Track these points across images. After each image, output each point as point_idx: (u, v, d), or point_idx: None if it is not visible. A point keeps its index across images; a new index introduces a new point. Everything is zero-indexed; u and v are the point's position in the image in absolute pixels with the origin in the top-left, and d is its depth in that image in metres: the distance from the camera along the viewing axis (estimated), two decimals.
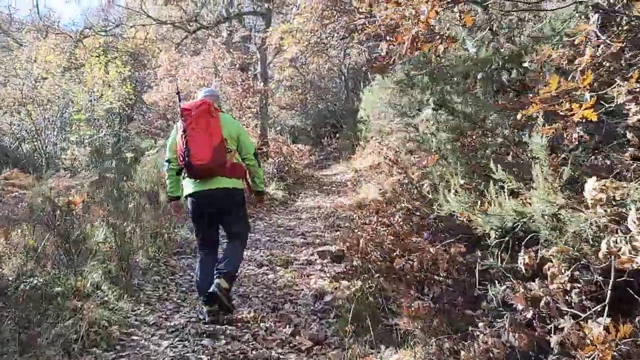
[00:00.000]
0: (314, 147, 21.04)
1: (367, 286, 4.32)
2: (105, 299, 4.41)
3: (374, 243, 4.52)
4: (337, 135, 19.91)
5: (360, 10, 4.80)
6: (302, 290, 5.00)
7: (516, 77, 3.91)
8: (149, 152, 13.04)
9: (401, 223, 4.38)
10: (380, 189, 9.15)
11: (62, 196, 5.57)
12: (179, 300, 4.71)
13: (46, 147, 10.56)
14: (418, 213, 4.21)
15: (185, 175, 4.04)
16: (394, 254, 3.82)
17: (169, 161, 4.15)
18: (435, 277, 3.54)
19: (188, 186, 4.06)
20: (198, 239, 4.30)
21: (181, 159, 3.89)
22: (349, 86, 19.75)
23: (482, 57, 3.89)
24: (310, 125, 22.23)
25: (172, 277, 5.36)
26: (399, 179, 9.01)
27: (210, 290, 3.80)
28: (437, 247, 3.51)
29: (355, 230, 5.16)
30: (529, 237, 2.82)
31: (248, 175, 4.32)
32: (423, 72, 4.74)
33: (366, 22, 4.18)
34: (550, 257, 2.51)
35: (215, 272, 3.91)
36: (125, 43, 18.96)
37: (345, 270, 5.04)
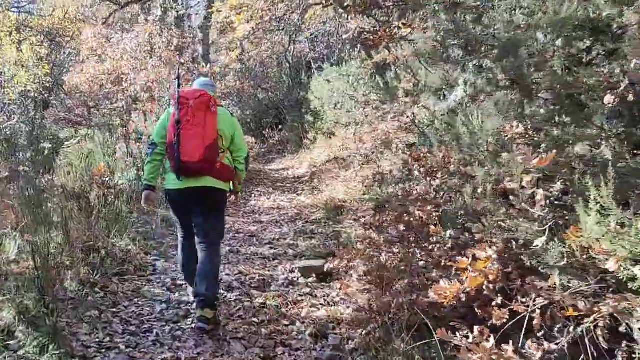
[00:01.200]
0: (255, 139, 19.71)
1: (395, 328, 3.18)
2: (21, 352, 3.06)
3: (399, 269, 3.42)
4: (280, 127, 18.69)
5: None
6: (295, 325, 3.81)
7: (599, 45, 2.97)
8: (69, 142, 11.39)
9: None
10: (350, 187, 8.11)
11: None
12: (129, 349, 3.38)
13: None
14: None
15: (169, 169, 3.74)
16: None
17: (154, 144, 3.81)
18: None
19: (170, 181, 3.76)
20: (179, 226, 4.06)
21: (169, 151, 3.63)
22: (293, 76, 18.52)
23: (562, 16, 2.88)
24: (249, 117, 20.81)
25: (114, 309, 3.99)
26: (374, 174, 7.99)
27: (199, 324, 3.59)
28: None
29: (363, 249, 4.01)
30: None
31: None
32: (455, 42, 3.68)
33: None
34: None
35: (197, 298, 3.69)
36: (41, 22, 16.84)
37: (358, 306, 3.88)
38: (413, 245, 3.64)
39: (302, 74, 20.49)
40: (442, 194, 3.81)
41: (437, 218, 3.55)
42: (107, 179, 5.52)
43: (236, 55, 10.77)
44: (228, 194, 4.01)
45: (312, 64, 19.79)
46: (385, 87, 10.11)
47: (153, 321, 3.84)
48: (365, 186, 7.77)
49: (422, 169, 3.96)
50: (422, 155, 3.98)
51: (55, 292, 3.77)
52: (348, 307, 3.86)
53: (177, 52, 10.20)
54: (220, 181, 3.73)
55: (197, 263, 3.80)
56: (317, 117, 13.13)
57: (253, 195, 9.46)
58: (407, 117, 6.34)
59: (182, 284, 4.58)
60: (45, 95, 16.87)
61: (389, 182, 5.95)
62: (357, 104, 11.20)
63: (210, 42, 11.19)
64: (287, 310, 4.02)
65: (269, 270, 5.08)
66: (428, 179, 3.95)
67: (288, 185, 10.48)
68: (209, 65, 9.60)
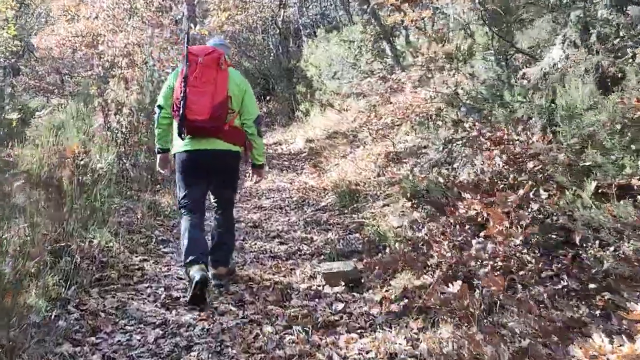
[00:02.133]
0: None
1: None
2: None
3: None
4: (269, 98, 17.58)
5: None
6: None
7: None
8: (39, 112, 10.27)
9: None
10: (360, 167, 7.18)
11: None
12: None
13: None
14: None
15: (176, 130, 3.48)
16: None
17: (160, 107, 3.61)
18: None
19: (178, 143, 3.54)
20: (184, 201, 3.64)
21: (174, 108, 3.42)
22: (283, 42, 17.31)
23: None
24: None
25: (94, 339, 3.03)
26: (387, 152, 7.07)
27: (199, 278, 3.28)
28: None
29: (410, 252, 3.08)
30: None
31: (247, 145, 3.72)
32: None
33: None
34: None
35: (211, 257, 3.62)
36: None
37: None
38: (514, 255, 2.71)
39: (291, 41, 19.34)
40: (529, 188, 2.87)
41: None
42: (82, 161, 4.49)
43: (225, 17, 9.59)
44: (241, 160, 3.80)
45: (302, 30, 18.59)
46: (398, 53, 9.13)
47: (146, 357, 2.90)
48: (379, 166, 6.88)
49: (503, 155, 3.00)
50: (504, 136, 3.02)
51: (13, 319, 2.78)
52: (407, 342, 2.93)
53: (159, 13, 9.02)
54: (231, 144, 3.53)
55: (205, 244, 3.63)
56: (310, 88, 12.06)
57: (248, 175, 8.47)
58: (445, 86, 5.34)
59: (179, 296, 3.66)
60: (13, 61, 15.51)
61: (423, 166, 5.03)
62: (360, 73, 10.20)
63: (196, 1, 9.97)
64: (319, 338, 3.10)
65: (284, 276, 4.14)
66: (508, 167, 3.00)
67: (285, 163, 9.51)
68: (196, 27, 8.47)
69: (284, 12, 16.45)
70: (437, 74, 6.44)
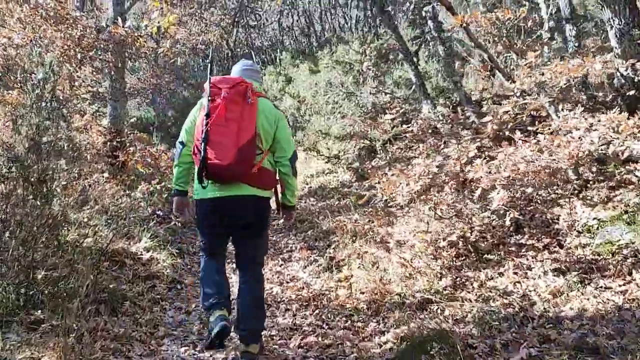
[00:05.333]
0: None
1: None
2: None
3: None
4: None
5: None
6: None
7: None
8: None
9: None
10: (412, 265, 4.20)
11: None
12: None
13: None
14: None
15: (196, 174, 2.98)
16: None
17: (182, 144, 3.16)
18: None
19: (199, 188, 3.03)
20: (204, 248, 3.26)
21: (195, 150, 2.99)
22: None
23: None
24: (171, 119, 16.35)
25: None
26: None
27: (219, 329, 2.81)
28: None
29: None
30: None
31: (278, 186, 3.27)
32: None
33: None
34: None
35: (239, 331, 3.06)
36: None
37: None
38: None
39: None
40: None
41: None
42: None
43: (171, 20, 6.45)
44: (272, 207, 3.26)
45: (255, 55, 15.68)
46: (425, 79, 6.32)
47: None
48: (452, 267, 4.00)
49: None
50: None
51: None
52: None
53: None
54: (259, 189, 3.04)
55: (226, 288, 3.14)
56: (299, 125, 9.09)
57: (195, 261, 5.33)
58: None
59: None
60: None
61: None
62: (358, 107, 7.34)
63: None
64: None
65: None
66: None
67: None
68: (126, 24, 5.40)
69: (237, 31, 13.46)
70: (566, 110, 3.65)
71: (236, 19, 12.83)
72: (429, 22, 5.85)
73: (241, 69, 3.28)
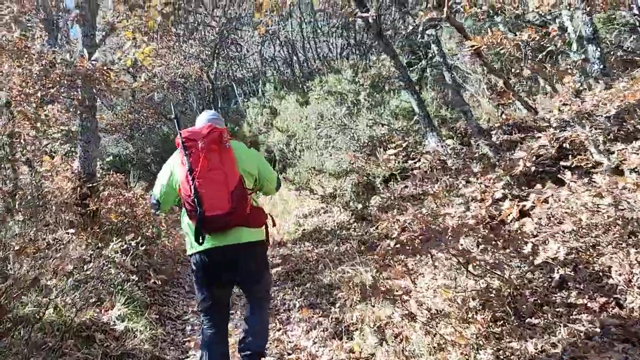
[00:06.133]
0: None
1: None
2: None
3: None
4: None
5: None
6: None
7: None
8: None
9: None
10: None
11: None
12: None
13: None
14: None
15: (192, 226, 2.98)
16: None
17: (158, 203, 3.16)
18: None
19: (195, 243, 2.99)
20: (204, 305, 3.15)
21: (189, 207, 2.94)
22: (217, 101, 13.62)
23: None
24: (150, 156, 15.61)
25: None
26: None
27: None
28: None
29: None
30: None
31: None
32: None
33: None
34: None
35: (242, 350, 3.08)
36: None
37: None
38: None
39: (220, 101, 15.68)
40: None
41: None
42: None
43: (148, 51, 5.81)
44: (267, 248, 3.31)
45: (235, 86, 15.04)
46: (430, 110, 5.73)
47: None
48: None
49: None
50: None
51: None
52: None
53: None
54: (255, 229, 3.10)
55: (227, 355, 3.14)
56: (278, 163, 8.41)
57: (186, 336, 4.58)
58: None
59: None
60: None
61: None
62: (354, 140, 6.75)
63: (99, 23, 6.17)
64: None
65: None
66: None
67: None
68: (94, 60, 4.73)
69: (217, 63, 12.86)
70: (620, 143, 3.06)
71: (216, 51, 12.23)
72: (433, 46, 5.30)
73: (208, 118, 3.32)
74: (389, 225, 4.13)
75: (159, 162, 15.69)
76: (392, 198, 5.34)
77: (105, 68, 4.72)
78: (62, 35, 12.88)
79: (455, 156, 5.37)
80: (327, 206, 7.25)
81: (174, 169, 3.09)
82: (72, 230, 4.62)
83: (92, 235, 5.25)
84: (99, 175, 8.19)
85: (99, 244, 5.35)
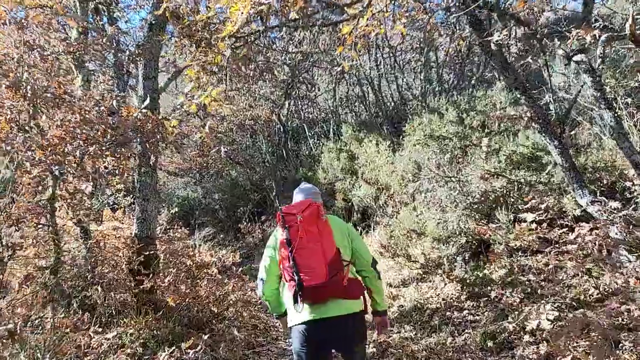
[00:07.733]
0: (225, 235, 13.72)
1: None
2: None
3: None
4: (263, 217, 12.83)
5: None
6: None
7: None
8: None
9: None
10: None
11: None
12: None
13: None
14: None
15: (291, 298, 3.04)
16: None
17: (263, 280, 3.24)
18: None
19: (293, 313, 3.08)
20: None
21: (288, 278, 3.05)
22: (288, 144, 12.72)
23: None
24: (217, 202, 14.84)
25: None
26: None
27: None
28: None
29: None
30: None
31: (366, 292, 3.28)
32: None
33: None
34: None
35: None
36: None
37: None
38: None
39: (289, 143, 14.81)
40: None
41: None
42: None
43: (216, 93, 4.87)
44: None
45: (306, 128, 14.13)
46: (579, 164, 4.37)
47: None
48: None
49: None
50: None
51: None
52: None
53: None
54: (354, 301, 3.08)
55: None
56: (366, 219, 7.17)
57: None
58: None
59: None
60: None
61: None
62: (464, 194, 5.43)
63: (160, 63, 5.28)
64: None
65: None
66: None
67: None
68: (144, 108, 3.81)
69: (289, 103, 11.96)
70: None
71: (288, 91, 11.35)
72: (584, 76, 3.98)
73: (307, 193, 3.37)
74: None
75: (226, 209, 14.95)
76: (531, 283, 3.97)
77: (159, 118, 3.74)
78: (136, 80, 12.34)
79: (618, 224, 3.95)
80: (424, 274, 5.93)
81: (274, 252, 3.18)
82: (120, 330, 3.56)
83: (145, 326, 4.18)
84: (159, 230, 7.26)
85: (155, 333, 4.28)
